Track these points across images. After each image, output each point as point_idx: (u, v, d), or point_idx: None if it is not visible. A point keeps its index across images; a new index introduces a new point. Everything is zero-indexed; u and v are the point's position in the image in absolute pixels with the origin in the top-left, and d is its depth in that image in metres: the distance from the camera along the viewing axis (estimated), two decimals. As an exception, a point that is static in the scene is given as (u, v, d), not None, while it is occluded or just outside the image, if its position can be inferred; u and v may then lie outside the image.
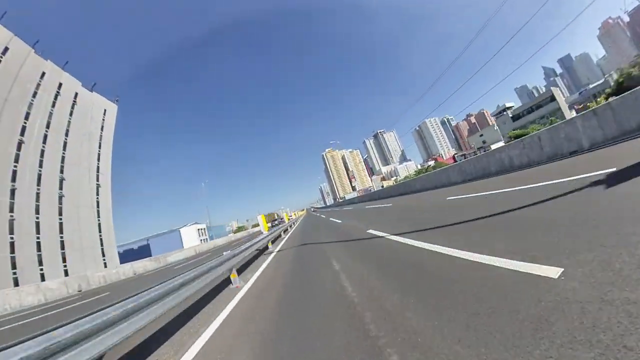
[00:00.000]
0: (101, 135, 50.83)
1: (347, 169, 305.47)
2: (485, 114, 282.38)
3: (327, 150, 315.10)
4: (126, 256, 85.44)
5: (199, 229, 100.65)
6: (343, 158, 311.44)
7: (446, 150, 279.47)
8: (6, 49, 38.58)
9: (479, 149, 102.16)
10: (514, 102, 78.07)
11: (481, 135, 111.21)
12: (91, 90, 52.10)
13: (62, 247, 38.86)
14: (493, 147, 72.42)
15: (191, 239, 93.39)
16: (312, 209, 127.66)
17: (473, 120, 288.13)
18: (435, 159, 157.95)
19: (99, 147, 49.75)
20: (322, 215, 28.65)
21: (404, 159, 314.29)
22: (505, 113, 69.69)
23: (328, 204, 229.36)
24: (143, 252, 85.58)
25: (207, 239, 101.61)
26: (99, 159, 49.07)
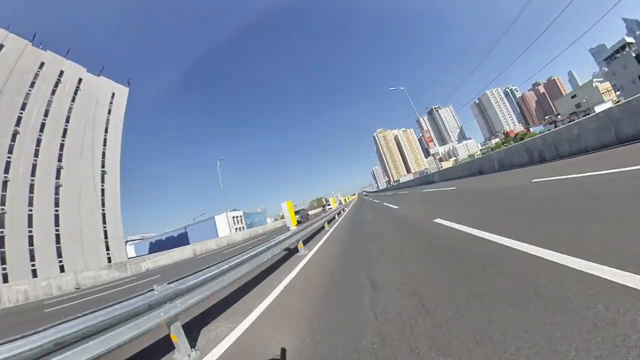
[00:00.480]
0: (108, 119, 47.76)
1: (400, 150, 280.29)
2: (557, 81, 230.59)
3: (378, 130, 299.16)
4: (167, 244, 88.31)
5: (234, 217, 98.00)
6: (396, 138, 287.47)
7: (511, 125, 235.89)
8: (0, 46, 36.52)
9: (572, 114, 76.31)
10: (592, 66, 52.56)
11: (574, 97, 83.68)
12: (99, 75, 49.24)
13: (58, 241, 36.33)
14: (597, 109, 49.86)
15: (226, 227, 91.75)
16: (364, 193, 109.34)
17: (541, 89, 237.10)
18: (506, 134, 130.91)
19: (106, 131, 46.76)
20: (388, 204, 14.06)
21: (462, 137, 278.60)
22: (624, 52, 46.47)
23: (380, 188, 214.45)
24: (181, 240, 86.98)
25: (243, 227, 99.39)
26: (105, 144, 46.13)
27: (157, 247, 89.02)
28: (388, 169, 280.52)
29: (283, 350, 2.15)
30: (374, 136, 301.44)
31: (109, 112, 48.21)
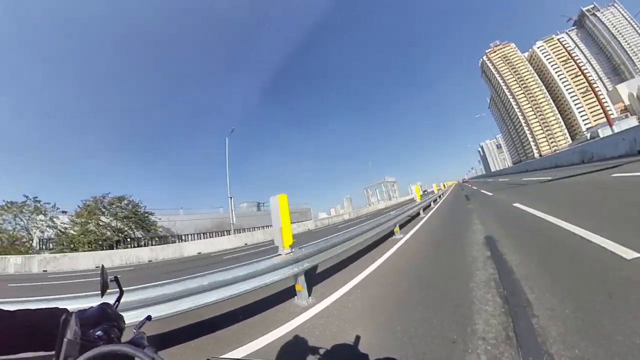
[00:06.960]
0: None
1: (548, 85, 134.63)
2: None
3: (489, 49, 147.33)
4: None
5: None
6: (532, 59, 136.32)
7: None
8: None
9: None
10: None
11: None
12: None
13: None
14: None
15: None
16: (462, 181, 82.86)
17: None
18: None
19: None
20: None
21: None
22: None
23: (492, 171, 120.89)
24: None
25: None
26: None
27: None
28: (519, 123, 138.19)
29: (357, 337, 2.17)
30: (481, 63, 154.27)
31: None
